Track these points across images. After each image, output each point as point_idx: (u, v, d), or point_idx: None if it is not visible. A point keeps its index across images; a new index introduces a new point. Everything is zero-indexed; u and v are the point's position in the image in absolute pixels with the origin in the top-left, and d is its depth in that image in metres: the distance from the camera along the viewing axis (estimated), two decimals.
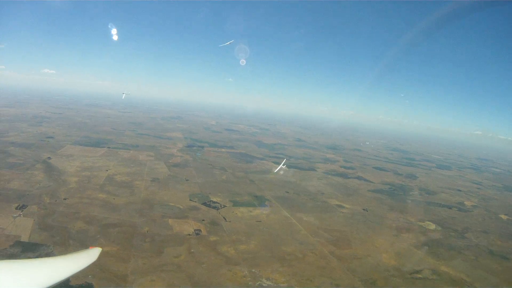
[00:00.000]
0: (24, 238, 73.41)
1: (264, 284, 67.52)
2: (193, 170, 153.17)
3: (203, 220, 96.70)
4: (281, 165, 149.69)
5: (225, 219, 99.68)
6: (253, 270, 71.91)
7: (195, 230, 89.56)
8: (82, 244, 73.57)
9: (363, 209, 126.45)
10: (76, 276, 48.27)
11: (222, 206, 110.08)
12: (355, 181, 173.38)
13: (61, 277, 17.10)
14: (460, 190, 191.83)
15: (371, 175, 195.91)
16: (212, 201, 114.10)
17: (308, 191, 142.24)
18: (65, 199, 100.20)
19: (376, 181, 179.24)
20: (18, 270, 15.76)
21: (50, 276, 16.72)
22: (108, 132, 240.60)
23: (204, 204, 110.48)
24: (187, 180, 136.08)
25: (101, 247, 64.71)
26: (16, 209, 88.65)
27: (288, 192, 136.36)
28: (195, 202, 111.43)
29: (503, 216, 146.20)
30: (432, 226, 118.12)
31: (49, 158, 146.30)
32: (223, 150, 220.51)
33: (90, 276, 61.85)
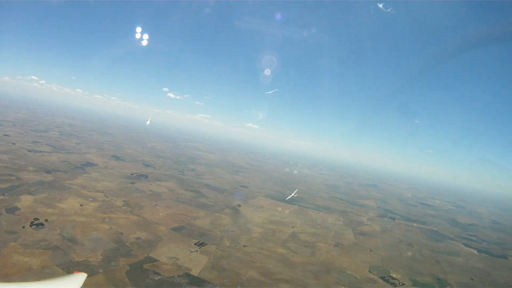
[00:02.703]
0: (194, 272, 77.87)
1: None
2: (379, 241, 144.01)
3: None
4: (293, 194, 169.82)
5: None
6: None
7: None
8: None
9: None
10: None
11: (400, 284, 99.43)
12: None
13: None
14: None
15: None
16: (392, 276, 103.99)
17: (494, 282, 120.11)
18: (244, 246, 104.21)
19: None
20: None
21: None
22: (302, 191, 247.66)
23: (382, 278, 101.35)
24: (371, 250, 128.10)
25: None
26: (195, 244, 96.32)
27: (472, 279, 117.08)
28: (374, 274, 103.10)
29: None
30: None
31: (239, 205, 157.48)
32: (414, 224, 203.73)
33: None
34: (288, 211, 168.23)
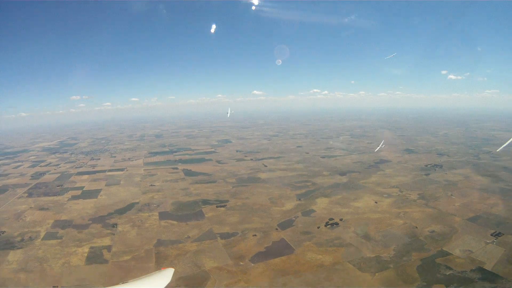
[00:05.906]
0: (488, 266, 70.20)
1: None
2: None
3: None
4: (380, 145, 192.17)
5: None
6: None
7: None
8: None
9: None
10: None
11: None
12: None
13: None
14: None
15: None
16: None
17: None
18: None
19: None
20: None
21: None
22: None
23: None
24: None
25: None
26: (491, 235, 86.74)
27: None
28: None
29: None
30: None
31: None
32: None
33: None
34: None
